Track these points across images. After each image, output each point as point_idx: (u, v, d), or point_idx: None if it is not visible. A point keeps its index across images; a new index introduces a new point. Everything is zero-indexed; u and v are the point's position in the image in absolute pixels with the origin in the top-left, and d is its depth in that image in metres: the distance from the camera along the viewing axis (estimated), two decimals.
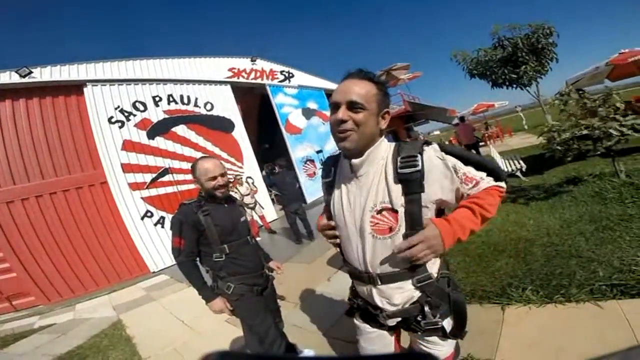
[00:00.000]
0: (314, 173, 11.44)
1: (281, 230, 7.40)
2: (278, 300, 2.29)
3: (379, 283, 1.02)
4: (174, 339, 3.43)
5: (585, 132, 3.92)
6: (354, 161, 0.99)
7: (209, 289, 1.88)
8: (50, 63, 6.74)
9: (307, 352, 2.40)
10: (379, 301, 1.05)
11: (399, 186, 0.94)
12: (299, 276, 4.15)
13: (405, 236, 0.93)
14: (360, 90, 0.93)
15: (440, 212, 1.05)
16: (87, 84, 7.13)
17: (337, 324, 2.74)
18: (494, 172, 1.03)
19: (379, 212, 0.95)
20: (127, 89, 7.78)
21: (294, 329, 2.79)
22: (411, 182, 0.92)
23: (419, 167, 0.91)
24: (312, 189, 10.97)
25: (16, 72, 6.21)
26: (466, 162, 1.01)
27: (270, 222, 8.34)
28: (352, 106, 0.93)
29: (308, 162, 11.38)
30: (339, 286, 3.36)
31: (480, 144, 10.88)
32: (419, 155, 0.93)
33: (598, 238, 2.88)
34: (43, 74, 6.59)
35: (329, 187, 1.14)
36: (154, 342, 3.51)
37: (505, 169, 6.06)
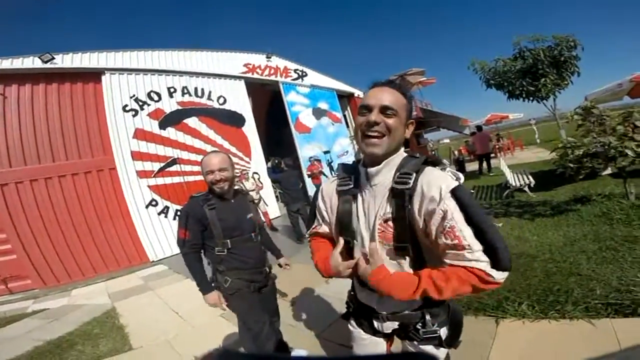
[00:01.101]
0: (321, 173, 11.44)
1: (283, 228, 7.43)
2: (278, 298, 2.31)
3: None
4: (167, 331, 3.43)
5: (600, 149, 3.87)
6: (371, 170, 1.00)
7: (207, 282, 1.91)
8: (72, 50, 6.90)
9: (300, 351, 2.42)
10: (379, 307, 1.07)
11: (392, 199, 0.96)
12: (298, 276, 4.13)
13: (395, 248, 0.96)
14: (392, 97, 0.95)
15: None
16: (106, 72, 7.29)
17: (332, 326, 2.76)
18: (494, 253, 0.82)
19: (385, 220, 0.97)
20: (144, 78, 7.92)
21: (289, 328, 2.81)
22: (399, 197, 0.93)
23: (409, 186, 0.91)
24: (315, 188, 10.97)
25: (39, 57, 6.38)
26: (469, 220, 0.85)
27: (273, 218, 8.39)
28: (385, 111, 0.93)
29: (315, 162, 11.39)
30: (336, 289, 3.37)
31: (491, 155, 10.76)
32: (414, 174, 0.92)
33: (600, 257, 2.87)
34: (64, 61, 6.75)
35: (347, 195, 1.09)
36: (146, 332, 3.52)
37: (514, 183, 5.99)
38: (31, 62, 6.37)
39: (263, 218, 7.67)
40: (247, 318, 1.94)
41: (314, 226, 1.26)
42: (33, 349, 3.49)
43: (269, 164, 6.23)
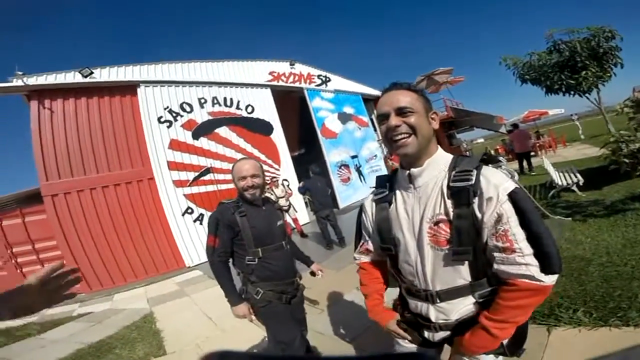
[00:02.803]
0: (348, 178, 11.35)
1: (313, 234, 7.40)
2: (305, 307, 2.23)
3: (438, 301, 0.98)
4: (200, 336, 3.49)
5: None
6: (413, 170, 0.97)
7: (235, 292, 1.86)
8: (108, 64, 7.43)
9: None
10: (434, 317, 1.00)
11: (451, 200, 0.90)
12: (327, 283, 4.07)
13: (454, 252, 0.89)
14: (403, 97, 0.94)
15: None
16: (141, 84, 7.75)
17: (362, 334, 2.66)
18: (544, 257, 0.81)
19: (436, 223, 0.92)
20: (176, 90, 8.33)
21: (318, 336, 2.74)
22: (461, 195, 0.88)
23: (472, 182, 0.87)
24: (345, 194, 10.90)
25: (79, 72, 6.89)
26: (523, 224, 0.82)
27: (302, 225, 8.41)
28: (401, 112, 0.92)
29: (342, 167, 11.33)
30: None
31: (531, 154, 10.09)
32: (474, 171, 0.88)
33: None
34: (102, 75, 7.26)
35: (382, 203, 1.08)
36: (180, 337, 3.61)
37: (560, 182, 5.55)
38: (72, 77, 6.88)
39: (293, 224, 7.71)
40: (278, 331, 1.88)
41: (361, 243, 1.25)
42: (75, 351, 3.66)
43: (300, 184, 6.36)
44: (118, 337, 3.93)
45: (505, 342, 0.95)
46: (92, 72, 7.02)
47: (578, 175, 5.48)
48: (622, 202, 4.26)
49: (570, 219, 3.46)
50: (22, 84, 6.28)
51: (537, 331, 2.08)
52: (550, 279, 0.81)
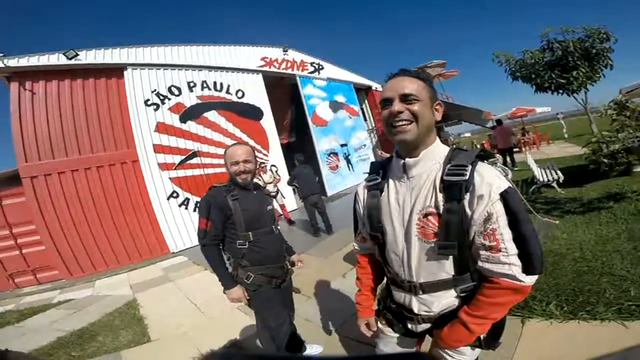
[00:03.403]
0: (337, 166, 11.41)
1: (300, 221, 7.45)
2: (293, 294, 2.27)
3: (421, 293, 1.00)
4: (185, 323, 3.46)
5: (636, 144, 3.65)
6: (408, 160, 0.97)
7: (229, 275, 1.86)
8: (94, 47, 7.13)
9: (315, 347, 2.41)
10: (416, 308, 1.03)
11: (443, 193, 0.91)
12: (313, 270, 4.12)
13: (440, 246, 0.90)
14: (410, 84, 0.92)
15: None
16: (128, 67, 7.49)
17: (348, 321, 2.72)
18: (528, 258, 0.84)
19: (426, 215, 0.93)
20: (165, 73, 8.09)
21: (304, 322, 2.80)
22: (453, 190, 0.88)
23: (465, 178, 0.87)
24: (333, 182, 10.97)
25: (64, 54, 6.63)
26: (512, 224, 0.85)
27: (290, 211, 8.43)
28: (406, 98, 0.91)
29: (332, 155, 11.36)
30: (354, 283, 3.30)
31: (515, 149, 10.33)
32: (469, 166, 0.88)
33: (635, 257, 2.71)
34: (88, 57, 6.98)
35: (374, 190, 1.09)
36: (165, 323, 3.57)
37: (541, 179, 5.73)
38: (56, 59, 6.61)
39: (280, 211, 7.73)
40: (267, 316, 1.91)
41: (358, 231, 1.27)
42: (56, 339, 3.56)
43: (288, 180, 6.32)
44: (100, 324, 3.86)
45: (482, 336, 0.99)
46: (77, 54, 6.75)
47: (559, 172, 5.66)
48: (598, 201, 4.45)
49: (557, 221, 3.60)
50: (3, 65, 6.01)
51: (512, 322, 2.19)
52: (530, 280, 0.85)
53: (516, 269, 0.84)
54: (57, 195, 6.33)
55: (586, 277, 2.56)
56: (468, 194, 0.87)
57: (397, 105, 0.91)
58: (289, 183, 6.18)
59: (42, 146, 6.35)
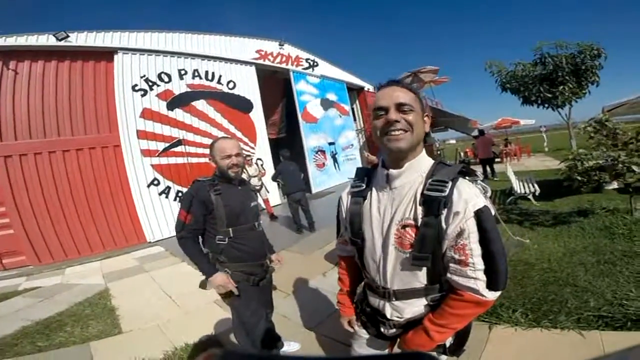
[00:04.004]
0: (323, 164, 11.46)
1: (282, 217, 7.45)
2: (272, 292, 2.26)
3: (394, 299, 1.04)
4: (159, 315, 3.38)
5: (608, 163, 3.83)
6: (392, 171, 0.99)
7: (209, 263, 1.84)
8: (86, 29, 6.89)
9: (293, 344, 2.43)
10: (389, 313, 1.07)
11: (422, 207, 0.93)
12: (294, 267, 4.10)
13: (415, 257, 0.93)
14: (404, 94, 0.94)
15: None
16: (119, 51, 7.29)
17: (326, 321, 2.75)
18: (493, 275, 0.88)
19: (404, 227, 0.95)
20: (155, 59, 7.90)
21: (282, 319, 2.80)
22: (432, 205, 0.91)
23: (445, 194, 0.89)
24: (319, 179, 11.03)
25: (54, 35, 6.40)
26: (482, 241, 0.88)
27: (273, 206, 8.42)
28: (401, 108, 0.93)
29: (319, 153, 11.40)
30: (333, 282, 3.32)
31: (496, 160, 10.61)
32: (450, 182, 0.91)
33: (597, 270, 2.88)
34: (79, 39, 6.75)
35: (357, 197, 1.11)
36: (137, 315, 3.46)
37: (518, 190, 5.95)
38: (45, 40, 6.38)
39: (264, 205, 7.70)
40: (242, 312, 1.91)
41: (340, 234, 1.29)
42: (20, 328, 3.39)
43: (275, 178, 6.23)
44: (69, 313, 3.69)
45: (449, 342, 1.05)
46: (67, 36, 6.51)
47: (535, 185, 5.89)
48: (569, 215, 4.67)
49: (529, 241, 3.76)
50: None
51: (480, 328, 2.28)
52: (493, 295, 0.89)
53: (481, 283, 0.88)
54: (31, 177, 6.07)
55: (551, 287, 2.70)
56: (445, 209, 0.90)
57: (393, 114, 0.92)
58: (274, 178, 6.15)
59: (20, 126, 6.09)
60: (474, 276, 0.89)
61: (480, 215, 0.88)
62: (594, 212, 4.53)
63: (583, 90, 9.36)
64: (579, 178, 4.14)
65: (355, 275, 1.30)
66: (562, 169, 4.58)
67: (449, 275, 0.94)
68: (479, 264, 0.89)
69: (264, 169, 8.53)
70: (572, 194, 5.58)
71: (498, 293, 0.90)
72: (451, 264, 0.93)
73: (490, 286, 0.89)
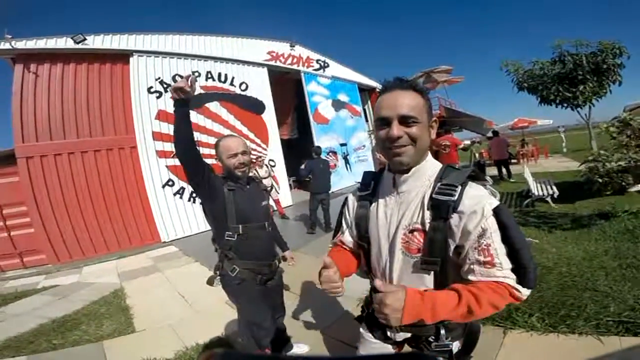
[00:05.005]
0: (335, 165, 11.44)
1: (294, 217, 7.47)
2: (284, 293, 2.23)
3: None
4: (171, 315, 3.41)
5: (632, 165, 3.67)
6: (399, 176, 0.97)
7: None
8: (102, 32, 7.11)
9: (301, 346, 2.42)
10: None
11: (430, 211, 0.90)
12: (305, 268, 4.08)
13: (424, 261, 0.91)
14: (410, 102, 0.89)
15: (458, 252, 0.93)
16: (134, 53, 7.48)
17: (336, 323, 2.74)
18: (522, 271, 0.84)
19: (411, 231, 0.93)
20: (170, 62, 8.08)
21: (292, 321, 2.80)
22: (441, 209, 0.88)
23: (454, 198, 0.87)
24: (331, 181, 11.01)
25: (72, 38, 6.63)
26: (505, 239, 0.85)
27: (284, 207, 8.45)
28: (405, 120, 0.88)
29: (330, 154, 11.38)
30: (344, 284, 3.31)
31: (513, 161, 10.31)
32: (459, 187, 0.88)
33: (619, 274, 2.77)
34: (95, 42, 6.97)
35: (364, 201, 1.10)
36: (151, 314, 3.51)
37: (536, 192, 5.78)
38: (64, 43, 6.61)
39: (275, 206, 7.74)
40: (248, 311, 1.90)
41: (338, 234, 1.25)
42: (37, 326, 3.46)
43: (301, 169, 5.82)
44: (85, 312, 3.77)
45: (455, 348, 1.01)
46: (85, 39, 6.74)
47: (554, 187, 5.71)
48: (589, 218, 4.50)
49: (537, 240, 3.66)
50: (10, 47, 6.01)
51: (494, 332, 2.23)
52: (525, 292, 0.85)
53: (511, 281, 0.84)
54: (51, 177, 6.27)
55: (570, 292, 2.61)
56: (455, 214, 0.88)
57: (395, 130, 0.88)
58: (304, 175, 5.87)
59: (41, 127, 6.31)
60: (502, 275, 0.84)
61: (499, 212, 0.85)
62: (616, 214, 4.35)
63: (604, 90, 9.03)
64: (600, 180, 3.99)
65: (347, 260, 1.18)
66: (583, 171, 4.43)
67: (473, 278, 0.88)
68: (506, 262, 0.85)
69: (274, 171, 8.57)
70: (593, 197, 5.38)
71: (529, 291, 0.85)
72: (476, 267, 0.87)
73: (521, 283, 0.84)
